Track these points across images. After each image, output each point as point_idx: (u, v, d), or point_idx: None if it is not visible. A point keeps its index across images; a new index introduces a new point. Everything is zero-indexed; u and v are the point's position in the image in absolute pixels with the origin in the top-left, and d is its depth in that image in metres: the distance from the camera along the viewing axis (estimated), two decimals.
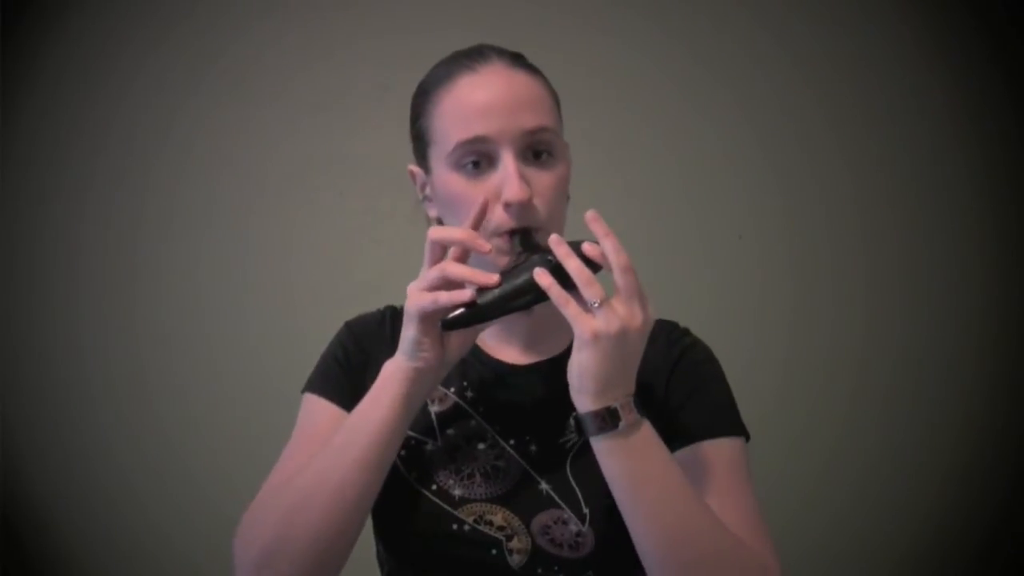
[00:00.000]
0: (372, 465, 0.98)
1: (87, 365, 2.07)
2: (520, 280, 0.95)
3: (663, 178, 2.12)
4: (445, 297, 0.95)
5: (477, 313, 0.96)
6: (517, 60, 1.07)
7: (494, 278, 0.96)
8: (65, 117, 2.05)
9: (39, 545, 2.07)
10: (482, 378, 1.12)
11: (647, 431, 0.95)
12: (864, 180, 2.15)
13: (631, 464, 0.94)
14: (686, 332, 1.16)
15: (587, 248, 0.93)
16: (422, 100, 1.08)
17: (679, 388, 1.09)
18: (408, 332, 0.98)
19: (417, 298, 0.97)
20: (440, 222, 1.09)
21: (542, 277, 0.92)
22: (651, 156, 2.12)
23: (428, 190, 1.10)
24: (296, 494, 0.98)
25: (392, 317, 1.17)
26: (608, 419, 0.93)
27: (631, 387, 0.95)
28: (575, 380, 0.94)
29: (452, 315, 0.97)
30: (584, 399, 0.94)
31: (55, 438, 2.06)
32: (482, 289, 0.96)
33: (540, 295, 0.93)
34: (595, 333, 0.90)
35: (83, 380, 2.07)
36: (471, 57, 1.06)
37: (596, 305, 0.91)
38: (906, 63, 2.15)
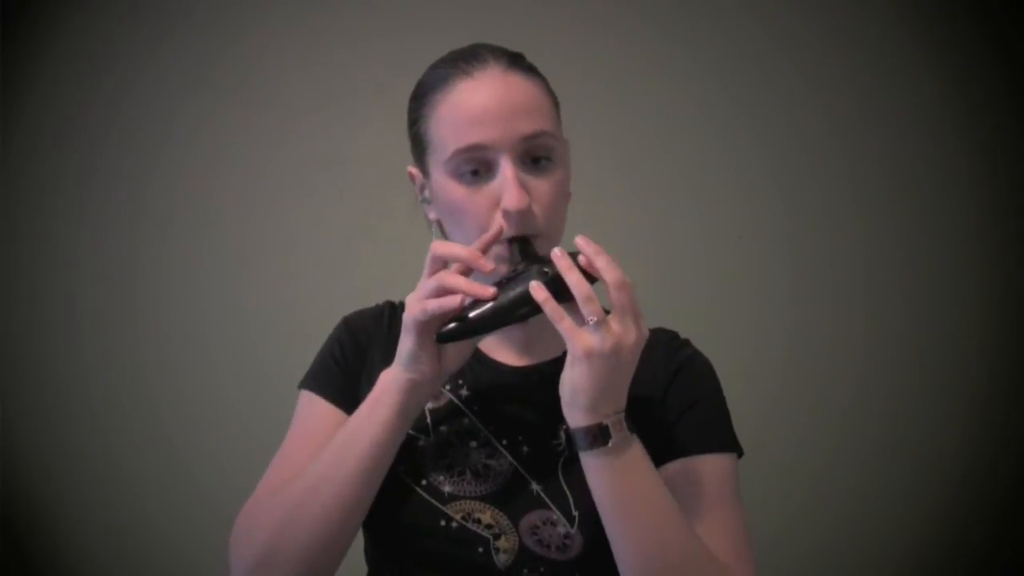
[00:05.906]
0: (366, 477, 0.99)
1: (87, 365, 2.06)
2: (515, 293, 0.94)
3: (663, 178, 2.12)
4: (434, 304, 0.95)
5: (472, 326, 0.96)
6: (514, 62, 1.05)
7: (490, 291, 0.95)
8: (65, 116, 2.05)
9: (39, 545, 2.07)
10: (478, 377, 1.12)
11: (636, 449, 0.96)
12: (864, 180, 2.15)
13: (618, 482, 0.95)
14: (686, 343, 1.16)
15: (583, 260, 0.93)
16: (418, 104, 1.07)
17: (676, 401, 1.09)
18: (405, 344, 0.98)
19: (412, 308, 0.97)
20: (440, 225, 1.09)
21: (537, 291, 0.92)
22: (651, 156, 2.12)
23: (427, 192, 1.09)
24: (290, 504, 0.99)
25: (391, 313, 1.17)
26: (599, 436, 0.93)
27: (622, 404, 0.95)
28: (567, 395, 0.94)
29: (447, 328, 0.96)
30: (575, 414, 0.94)
31: (55, 438, 2.06)
32: (477, 301, 0.95)
33: (535, 308, 0.93)
34: (588, 350, 0.90)
35: (83, 380, 2.06)
36: (467, 60, 1.04)
37: (593, 322, 0.90)
38: (906, 63, 2.15)
